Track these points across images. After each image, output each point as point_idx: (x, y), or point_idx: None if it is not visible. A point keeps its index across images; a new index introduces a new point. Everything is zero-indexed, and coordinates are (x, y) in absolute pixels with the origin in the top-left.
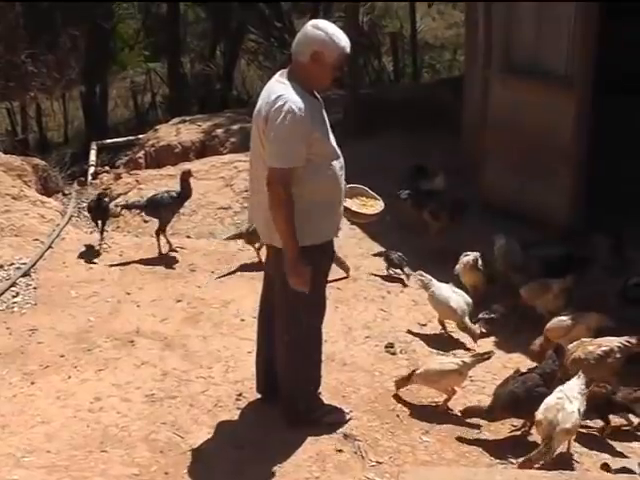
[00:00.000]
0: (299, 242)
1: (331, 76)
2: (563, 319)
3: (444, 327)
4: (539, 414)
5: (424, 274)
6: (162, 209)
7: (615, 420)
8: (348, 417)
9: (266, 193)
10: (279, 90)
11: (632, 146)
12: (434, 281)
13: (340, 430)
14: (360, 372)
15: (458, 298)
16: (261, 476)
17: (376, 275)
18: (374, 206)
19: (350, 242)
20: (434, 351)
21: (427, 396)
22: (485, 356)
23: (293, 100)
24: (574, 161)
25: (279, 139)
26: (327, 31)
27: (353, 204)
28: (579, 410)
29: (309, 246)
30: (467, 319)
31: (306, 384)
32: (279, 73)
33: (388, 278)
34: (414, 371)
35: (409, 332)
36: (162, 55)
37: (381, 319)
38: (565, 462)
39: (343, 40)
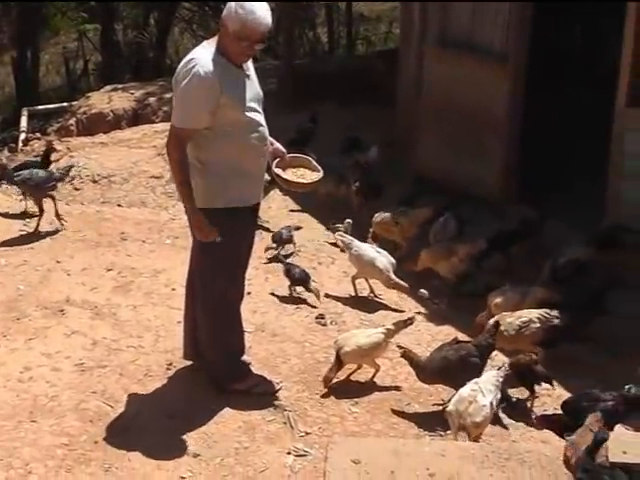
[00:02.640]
0: (208, 203)
1: (250, 52)
2: (509, 294)
3: (356, 287)
4: (450, 405)
5: (344, 235)
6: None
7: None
8: (278, 388)
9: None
10: (195, 52)
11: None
12: (356, 241)
13: (269, 400)
14: (290, 343)
15: (382, 258)
16: (191, 446)
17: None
18: (312, 175)
19: (282, 213)
20: (366, 322)
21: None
22: (408, 322)
23: (202, 63)
24: (507, 137)
25: (181, 99)
26: (250, 11)
27: (290, 174)
28: (492, 403)
29: (219, 208)
30: (393, 276)
31: (223, 349)
32: (206, 41)
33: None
34: (339, 357)
35: (340, 302)
36: (95, 22)
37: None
38: (492, 434)
39: (264, 22)
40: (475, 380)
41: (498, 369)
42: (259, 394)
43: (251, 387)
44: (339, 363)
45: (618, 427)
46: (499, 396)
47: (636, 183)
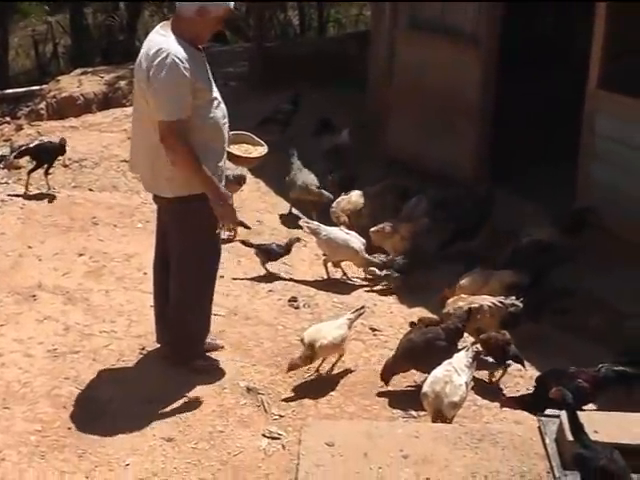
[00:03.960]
0: (188, 191)
1: (214, 30)
2: (475, 277)
3: (328, 270)
4: (426, 386)
5: (309, 221)
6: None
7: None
8: (215, 366)
9: (151, 146)
10: (160, 42)
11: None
12: (323, 226)
13: (243, 384)
14: (263, 326)
15: (354, 239)
16: (165, 430)
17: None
18: (259, 149)
19: (254, 195)
20: (338, 304)
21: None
22: (361, 311)
23: (174, 52)
24: (479, 119)
25: (166, 92)
26: None
27: (235, 149)
28: (467, 383)
29: (200, 194)
30: (367, 255)
31: (200, 325)
32: (160, 25)
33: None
34: (313, 351)
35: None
36: (65, 5)
37: (284, 273)
38: (465, 415)
39: None
40: (449, 361)
41: (466, 350)
42: (202, 372)
43: (210, 365)
44: (312, 357)
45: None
46: (471, 377)
47: (606, 164)
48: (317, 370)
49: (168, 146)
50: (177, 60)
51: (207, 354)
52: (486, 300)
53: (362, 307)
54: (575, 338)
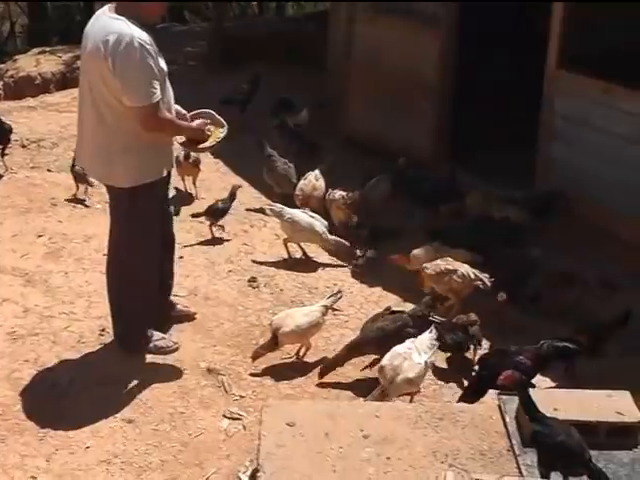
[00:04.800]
0: (140, 179)
1: (162, 10)
2: (429, 249)
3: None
4: (385, 360)
5: (273, 204)
6: None
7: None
8: (175, 347)
9: (105, 134)
10: (118, 27)
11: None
12: (286, 208)
13: (203, 364)
14: (223, 307)
15: (317, 222)
16: (125, 412)
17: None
18: (217, 133)
19: (213, 176)
20: (298, 285)
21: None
22: (338, 295)
23: (136, 35)
24: (438, 98)
25: (139, 77)
26: None
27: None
28: (426, 363)
29: (149, 182)
30: (330, 237)
31: (145, 310)
32: (106, 9)
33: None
34: (276, 338)
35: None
36: None
37: (244, 253)
38: (426, 394)
39: None
40: (412, 339)
41: (429, 332)
42: (155, 352)
43: (170, 346)
44: (275, 344)
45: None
46: (433, 358)
47: (566, 145)
48: (297, 354)
49: (152, 128)
50: (143, 43)
51: (166, 335)
52: (464, 267)
53: (339, 292)
54: (536, 318)
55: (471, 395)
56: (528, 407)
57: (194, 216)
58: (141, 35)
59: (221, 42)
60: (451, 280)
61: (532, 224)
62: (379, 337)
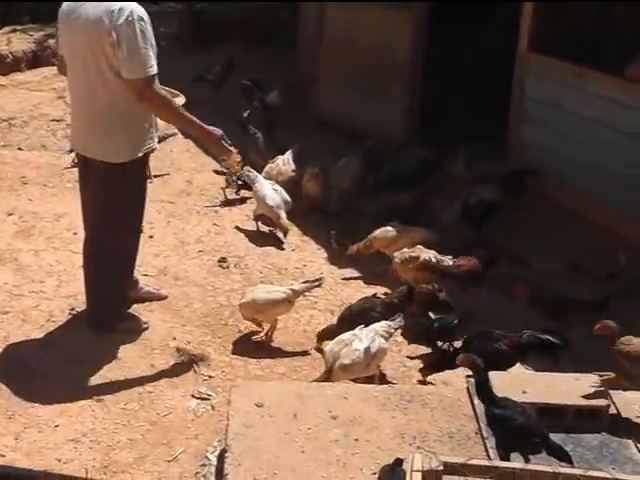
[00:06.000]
0: (130, 154)
1: None
2: (389, 229)
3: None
4: (328, 345)
5: (251, 170)
6: None
7: None
8: (145, 327)
9: (99, 111)
10: (120, 2)
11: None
12: (259, 177)
13: (173, 344)
14: (193, 287)
15: (276, 196)
16: (94, 391)
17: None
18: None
19: (184, 156)
20: (268, 266)
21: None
22: (315, 283)
23: (138, 9)
24: (409, 79)
25: (140, 48)
26: None
27: None
28: (367, 349)
29: (139, 157)
30: (282, 215)
31: (119, 287)
32: None
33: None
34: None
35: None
36: None
37: (214, 233)
38: (394, 376)
39: None
40: (362, 326)
41: (392, 319)
42: (125, 331)
43: (138, 326)
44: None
45: (517, 367)
46: (383, 345)
47: (537, 127)
48: (265, 334)
49: (147, 99)
50: (143, 16)
51: (136, 315)
52: (428, 254)
53: (318, 280)
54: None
55: (436, 369)
56: (482, 391)
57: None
58: (140, 8)
59: (192, 23)
60: (417, 271)
61: (505, 201)
62: (344, 315)
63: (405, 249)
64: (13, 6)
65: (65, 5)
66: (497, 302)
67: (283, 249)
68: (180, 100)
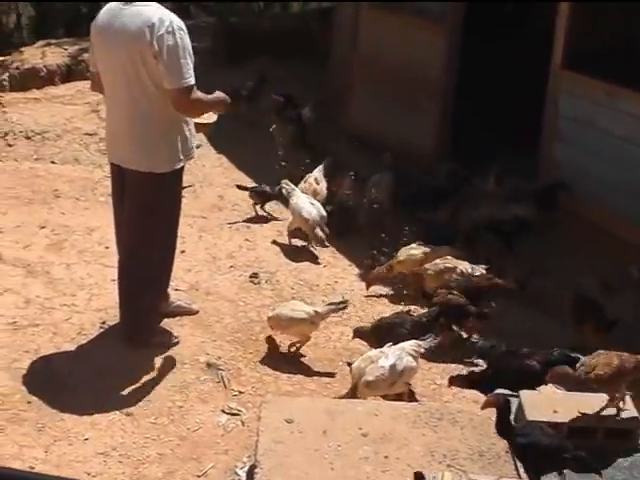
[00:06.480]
0: (170, 166)
1: None
2: (414, 252)
3: (292, 237)
4: (355, 362)
5: (288, 182)
6: None
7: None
8: (175, 341)
9: (142, 122)
10: (156, 12)
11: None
12: (297, 191)
13: (203, 359)
14: (224, 302)
15: (312, 209)
16: (124, 405)
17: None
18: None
19: (216, 171)
20: (300, 282)
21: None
22: (340, 305)
23: (176, 19)
24: (442, 97)
25: (180, 59)
26: None
27: None
28: (393, 367)
29: (179, 168)
30: (318, 229)
31: (154, 301)
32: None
33: (254, 208)
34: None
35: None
36: None
37: (246, 249)
38: (425, 394)
39: None
40: (390, 343)
41: (422, 339)
42: (156, 345)
43: (170, 340)
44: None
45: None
46: (411, 363)
47: (569, 146)
48: (290, 348)
49: (186, 109)
50: (182, 26)
51: (167, 329)
52: (463, 265)
53: (343, 302)
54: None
55: (465, 384)
56: (503, 428)
57: (239, 188)
58: (178, 19)
59: (226, 37)
60: (450, 280)
61: (539, 217)
62: (374, 326)
63: (437, 260)
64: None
65: (99, 19)
66: (529, 318)
67: (318, 263)
68: (214, 116)
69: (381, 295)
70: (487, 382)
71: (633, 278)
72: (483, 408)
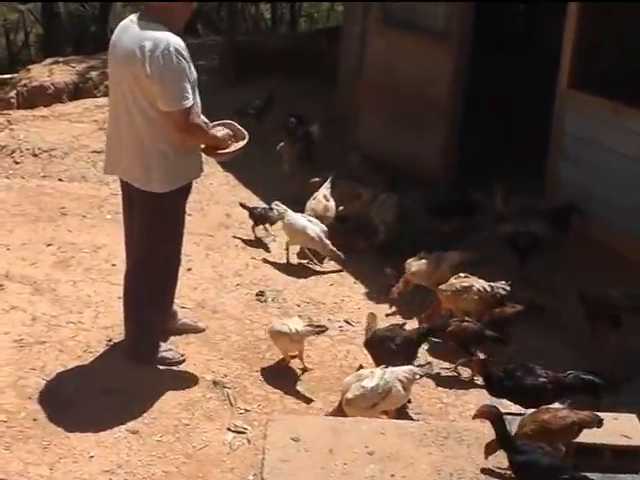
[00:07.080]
0: (171, 185)
1: (188, 13)
2: (424, 262)
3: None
4: (348, 377)
5: (279, 204)
6: None
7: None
8: (182, 359)
9: (138, 142)
10: (153, 33)
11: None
12: (289, 211)
13: (209, 377)
14: (230, 320)
15: (314, 226)
16: (130, 422)
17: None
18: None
19: (223, 189)
20: (306, 300)
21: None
22: (317, 329)
23: (174, 41)
24: (449, 115)
25: (175, 81)
26: None
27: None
28: (375, 388)
29: (179, 188)
30: (329, 243)
31: (158, 319)
32: (134, 17)
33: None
34: None
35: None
36: None
37: (252, 267)
38: (431, 412)
39: None
40: (384, 365)
41: (417, 365)
42: (162, 363)
43: (176, 358)
44: None
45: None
46: (398, 391)
47: (576, 165)
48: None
49: (184, 132)
50: (178, 48)
51: (173, 347)
52: (480, 283)
53: (322, 327)
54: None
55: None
56: (503, 440)
57: (242, 206)
58: (176, 40)
59: (234, 56)
60: (468, 297)
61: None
62: (368, 338)
63: (452, 280)
64: (56, 37)
65: (114, 34)
66: (541, 340)
67: (325, 281)
68: (243, 141)
69: (388, 313)
70: (500, 391)
71: None
72: (474, 418)
